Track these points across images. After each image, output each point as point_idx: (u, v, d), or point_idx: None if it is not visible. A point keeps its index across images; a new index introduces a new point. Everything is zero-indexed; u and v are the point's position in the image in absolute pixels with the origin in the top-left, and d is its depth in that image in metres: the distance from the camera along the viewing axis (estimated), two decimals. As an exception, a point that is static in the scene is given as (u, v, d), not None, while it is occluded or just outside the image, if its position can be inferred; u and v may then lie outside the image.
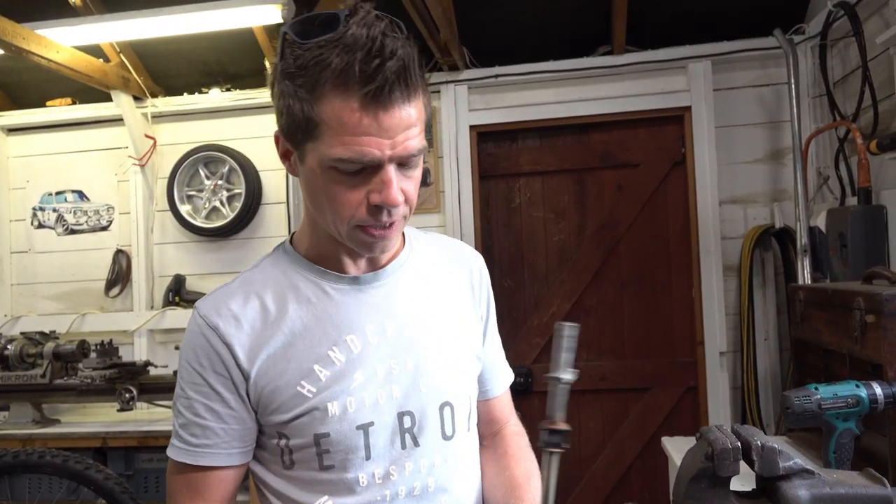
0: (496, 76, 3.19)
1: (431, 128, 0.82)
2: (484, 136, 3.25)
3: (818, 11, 2.79)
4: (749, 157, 3.03)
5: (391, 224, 0.88)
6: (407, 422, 0.94)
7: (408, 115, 0.83)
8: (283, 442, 0.93)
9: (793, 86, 2.81)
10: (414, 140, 0.85)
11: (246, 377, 0.92)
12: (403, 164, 0.86)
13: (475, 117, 3.21)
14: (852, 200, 2.54)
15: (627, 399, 3.11)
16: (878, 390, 1.50)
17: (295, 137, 0.87)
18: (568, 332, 1.02)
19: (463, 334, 1.03)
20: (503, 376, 1.16)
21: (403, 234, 1.04)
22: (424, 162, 0.96)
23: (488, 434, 1.14)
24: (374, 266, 0.99)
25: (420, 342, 0.96)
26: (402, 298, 0.98)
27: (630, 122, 3.15)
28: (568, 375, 0.98)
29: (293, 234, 1.04)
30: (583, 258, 3.15)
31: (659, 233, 3.13)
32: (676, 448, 2.13)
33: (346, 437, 0.91)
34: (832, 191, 2.76)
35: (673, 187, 3.12)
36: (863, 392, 1.51)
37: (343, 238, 0.91)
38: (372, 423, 0.91)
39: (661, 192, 3.12)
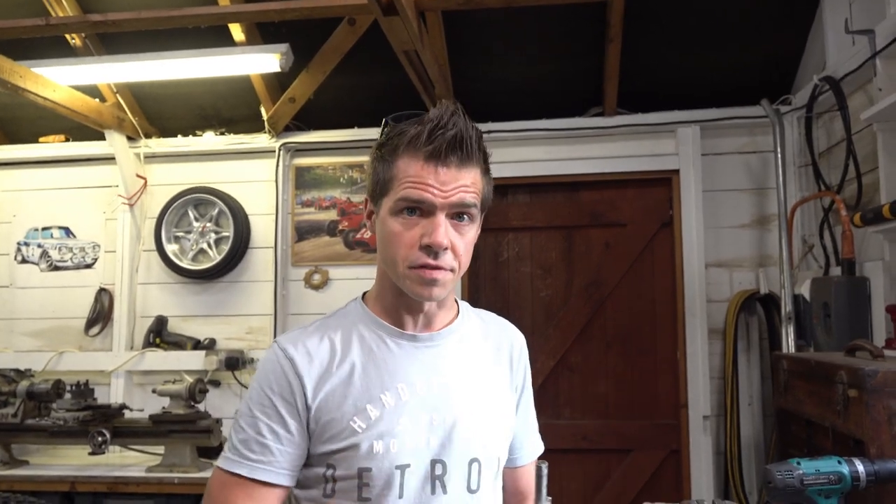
0: (489, 132, 3.23)
1: (485, 208, 0.97)
2: (474, 190, 3.27)
3: (804, 84, 2.87)
4: (735, 222, 3.07)
5: (440, 268, 1.02)
6: (438, 469, 1.05)
7: (462, 175, 1.02)
8: (329, 472, 1.05)
9: (779, 154, 2.86)
10: (466, 194, 1.02)
11: (308, 407, 1.05)
12: (456, 216, 1.03)
13: (466, 171, 3.23)
14: (836, 270, 2.56)
15: (609, 460, 3.07)
16: (861, 468, 1.49)
17: (375, 194, 1.07)
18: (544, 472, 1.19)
19: (498, 401, 1.15)
20: (532, 447, 1.28)
21: (458, 305, 1.19)
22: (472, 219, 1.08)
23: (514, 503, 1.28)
24: (430, 328, 1.12)
25: (460, 401, 1.09)
26: (450, 360, 1.12)
27: (619, 182, 3.19)
28: None
29: (365, 292, 1.19)
30: (569, 315, 3.14)
31: (645, 293, 3.14)
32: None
33: (386, 474, 1.03)
34: (817, 259, 2.78)
35: (660, 248, 3.14)
36: (845, 469, 1.49)
37: (402, 280, 1.04)
38: (409, 465, 1.03)
39: (649, 253, 3.15)
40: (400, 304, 1.10)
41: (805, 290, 2.60)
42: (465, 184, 1.01)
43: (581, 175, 3.20)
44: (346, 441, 1.03)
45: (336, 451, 1.03)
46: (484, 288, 3.20)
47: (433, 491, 1.05)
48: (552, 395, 3.12)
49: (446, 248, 1.01)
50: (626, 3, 2.72)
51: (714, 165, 3.09)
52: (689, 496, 2.89)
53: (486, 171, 1.06)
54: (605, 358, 3.13)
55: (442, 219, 1.01)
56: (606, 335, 3.14)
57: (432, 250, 1.00)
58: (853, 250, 2.38)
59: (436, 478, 1.05)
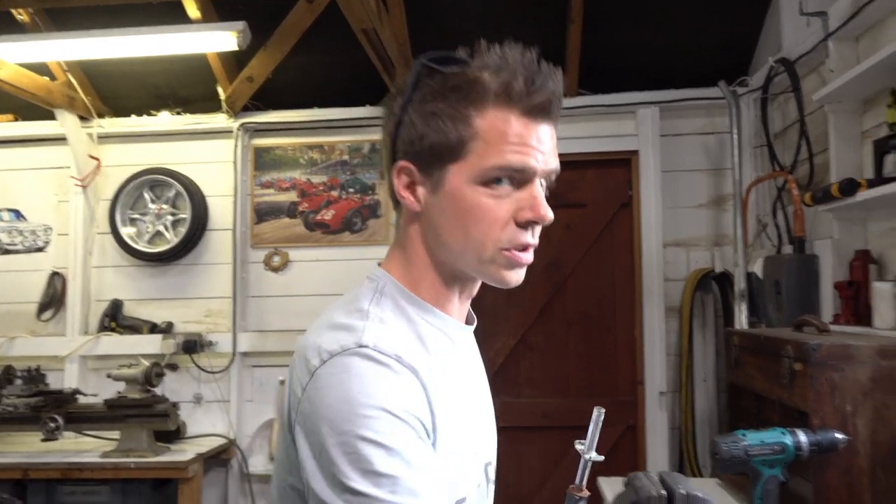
0: (450, 112, 3.21)
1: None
2: (436, 171, 3.26)
3: (761, 65, 2.90)
4: (693, 202, 3.11)
5: (530, 248, 0.85)
6: (490, 472, 0.94)
7: (555, 134, 0.85)
8: None
9: (735, 135, 2.90)
10: (556, 158, 0.85)
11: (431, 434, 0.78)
12: (542, 183, 0.85)
13: (428, 152, 3.22)
14: (789, 248, 2.61)
15: (569, 437, 3.08)
16: (803, 438, 1.53)
17: (432, 161, 0.82)
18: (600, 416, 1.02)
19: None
20: None
21: None
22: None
23: None
24: (464, 320, 0.93)
25: (486, 400, 0.98)
26: (475, 355, 0.99)
27: (580, 163, 3.20)
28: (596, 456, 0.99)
29: (388, 268, 0.90)
30: (530, 295, 3.16)
31: (605, 272, 3.17)
32: (612, 489, 2.12)
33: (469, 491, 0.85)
34: (770, 238, 2.83)
35: (619, 228, 3.17)
36: (788, 440, 1.53)
37: (485, 266, 0.83)
38: (480, 484, 0.89)
39: (608, 233, 3.17)
40: (451, 293, 0.88)
41: (758, 268, 2.64)
42: (555, 144, 0.85)
43: (542, 156, 3.20)
44: (455, 459, 0.81)
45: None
46: (445, 269, 3.20)
47: (488, 490, 0.93)
48: (513, 374, 3.14)
49: (551, 220, 0.83)
50: (585, -17, 2.72)
51: (673, 146, 3.12)
52: (644, 470, 2.94)
53: None
54: (565, 337, 3.16)
55: (540, 186, 0.83)
56: (566, 314, 3.17)
57: (535, 226, 0.83)
58: (804, 229, 2.42)
59: (490, 479, 0.93)
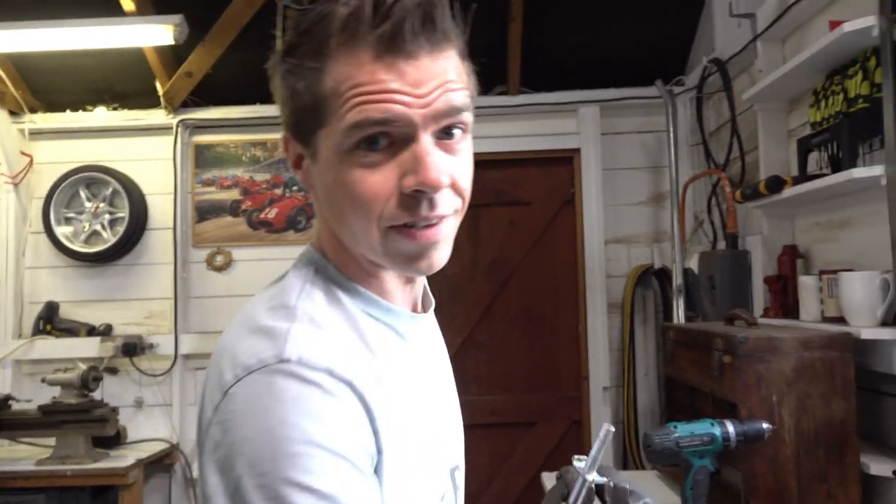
0: (394, 110, 3.20)
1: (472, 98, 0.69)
2: (381, 169, 3.25)
3: (696, 66, 2.98)
4: (633, 199, 3.18)
5: (438, 220, 0.66)
6: (457, 477, 0.82)
7: (439, 65, 0.64)
8: None
9: (672, 134, 2.97)
10: (454, 92, 0.64)
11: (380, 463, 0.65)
12: (444, 133, 0.65)
13: (373, 149, 3.21)
14: (723, 244, 2.69)
15: (515, 433, 3.14)
16: (731, 429, 1.58)
17: (302, 129, 0.68)
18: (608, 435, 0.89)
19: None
20: None
21: None
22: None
23: None
24: (416, 305, 0.78)
25: (448, 398, 0.83)
26: (435, 343, 0.84)
27: (523, 160, 3.24)
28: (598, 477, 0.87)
29: (320, 248, 0.74)
30: (474, 293, 3.18)
31: (548, 269, 3.21)
32: (552, 484, 2.16)
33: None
34: (706, 234, 2.92)
35: (562, 225, 3.22)
36: (717, 430, 1.58)
37: (378, 254, 0.68)
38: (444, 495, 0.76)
39: (551, 230, 3.22)
40: (386, 276, 0.73)
41: (694, 263, 2.72)
42: (448, 77, 0.64)
43: (485, 154, 3.21)
44: (406, 474, 0.67)
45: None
46: (391, 267, 3.20)
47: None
48: (459, 371, 3.10)
49: (446, 185, 0.65)
50: (525, -18, 2.74)
51: (613, 144, 3.19)
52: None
53: (462, 44, 0.69)
54: (510, 334, 3.19)
55: (427, 141, 0.64)
56: (511, 311, 3.20)
57: (426, 196, 0.64)
58: (736, 225, 2.50)
59: (455, 487, 0.81)
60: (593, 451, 0.83)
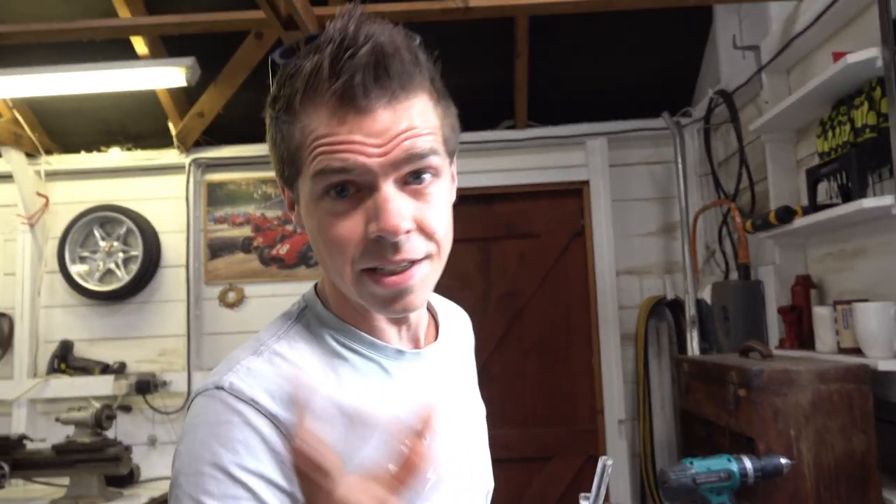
0: (404, 145, 3.24)
1: (453, 151, 0.73)
2: (391, 204, 3.27)
3: (703, 97, 3.00)
4: (643, 230, 3.18)
5: (408, 265, 0.68)
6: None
7: (400, 112, 0.66)
8: None
9: (680, 164, 2.98)
10: (416, 137, 0.66)
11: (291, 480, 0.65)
12: (412, 177, 0.68)
13: (383, 184, 3.23)
14: (735, 274, 2.68)
15: (531, 468, 3.10)
16: (749, 464, 1.56)
17: (286, 176, 0.72)
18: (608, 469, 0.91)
19: (482, 419, 0.92)
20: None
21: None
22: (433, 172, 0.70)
23: None
24: (417, 339, 0.80)
25: (450, 432, 0.82)
26: (440, 380, 0.81)
27: (532, 193, 3.25)
28: None
29: (316, 290, 0.80)
30: (487, 326, 3.17)
31: (560, 301, 3.20)
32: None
33: None
34: (718, 264, 2.91)
35: (573, 257, 3.21)
36: (734, 466, 1.55)
37: (354, 295, 0.71)
38: None
39: (562, 262, 3.21)
40: (374, 313, 0.75)
41: (707, 294, 2.70)
42: (409, 125, 0.66)
43: (495, 187, 3.24)
44: None
45: None
46: (402, 301, 3.21)
47: None
48: (472, 405, 3.12)
49: (408, 231, 0.67)
50: (530, 20, 2.78)
51: (622, 176, 3.19)
52: (608, 501, 2.95)
53: (438, 94, 0.71)
54: (523, 367, 3.17)
55: (389, 189, 0.66)
56: (524, 344, 3.19)
57: (389, 241, 0.66)
58: (748, 255, 2.49)
59: None
60: (594, 488, 0.84)
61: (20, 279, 3.27)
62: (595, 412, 3.10)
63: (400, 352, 0.77)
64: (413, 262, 0.69)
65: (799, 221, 2.04)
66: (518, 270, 3.22)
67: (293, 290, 3.20)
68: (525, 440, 3.09)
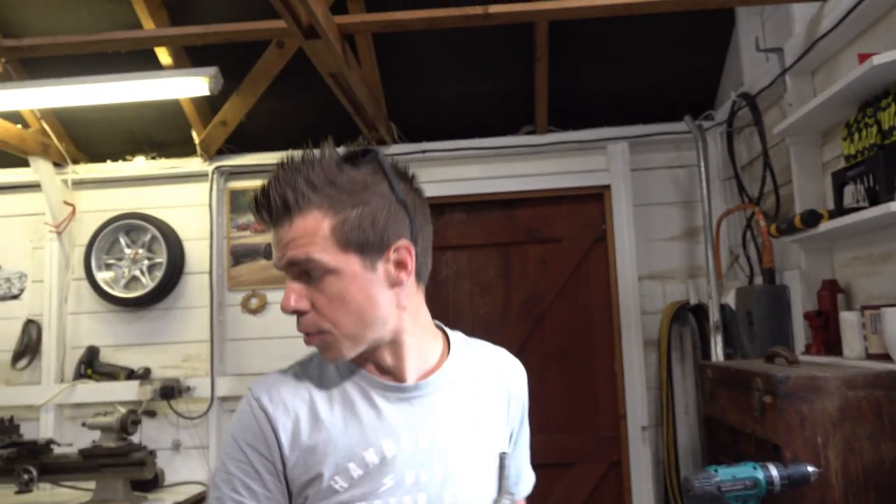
0: (423, 151, 3.25)
1: (359, 245, 0.93)
2: (412, 210, 3.28)
3: (726, 99, 2.97)
4: (666, 235, 3.15)
5: (309, 335, 0.95)
6: None
7: (293, 231, 0.92)
8: None
9: (703, 168, 2.95)
10: (295, 250, 0.91)
11: (285, 463, 0.94)
12: (306, 275, 0.93)
13: (403, 190, 3.24)
14: (759, 279, 2.64)
15: (553, 475, 3.08)
16: (775, 472, 1.53)
17: None
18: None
19: (493, 445, 1.05)
20: (527, 482, 1.19)
21: (449, 341, 1.07)
22: (324, 270, 0.93)
23: None
24: (420, 373, 1.01)
25: (451, 454, 0.98)
26: (440, 409, 1.00)
27: (553, 198, 3.24)
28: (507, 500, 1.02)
29: None
30: (509, 331, 3.16)
31: (582, 307, 3.18)
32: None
33: None
34: (742, 269, 2.87)
35: (594, 262, 3.20)
36: (760, 474, 1.53)
37: None
38: None
39: (584, 267, 3.20)
40: (366, 356, 1.00)
41: (731, 299, 2.67)
42: (293, 238, 0.91)
43: (516, 192, 3.24)
44: (326, 502, 0.93)
45: None
46: (423, 307, 3.21)
47: None
48: (494, 411, 3.11)
49: (299, 312, 0.93)
50: (550, 24, 2.78)
51: (644, 180, 3.17)
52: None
53: (351, 203, 0.92)
54: (545, 373, 3.16)
55: (288, 280, 0.93)
56: (545, 350, 3.17)
57: (297, 315, 0.94)
58: (773, 260, 2.46)
59: None
60: (496, 480, 1.00)
61: (48, 286, 3.32)
62: (617, 418, 3.07)
63: (399, 387, 0.99)
64: (309, 335, 0.95)
65: (825, 225, 2.01)
66: (539, 276, 3.21)
67: (315, 297, 3.22)
68: (547, 446, 3.07)
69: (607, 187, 3.17)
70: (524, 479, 1.18)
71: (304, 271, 0.92)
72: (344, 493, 0.93)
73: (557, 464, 3.08)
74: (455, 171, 3.26)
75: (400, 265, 0.95)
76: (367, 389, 0.98)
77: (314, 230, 0.91)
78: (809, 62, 2.28)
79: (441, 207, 3.29)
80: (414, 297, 0.99)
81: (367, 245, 0.93)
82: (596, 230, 3.20)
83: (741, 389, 1.86)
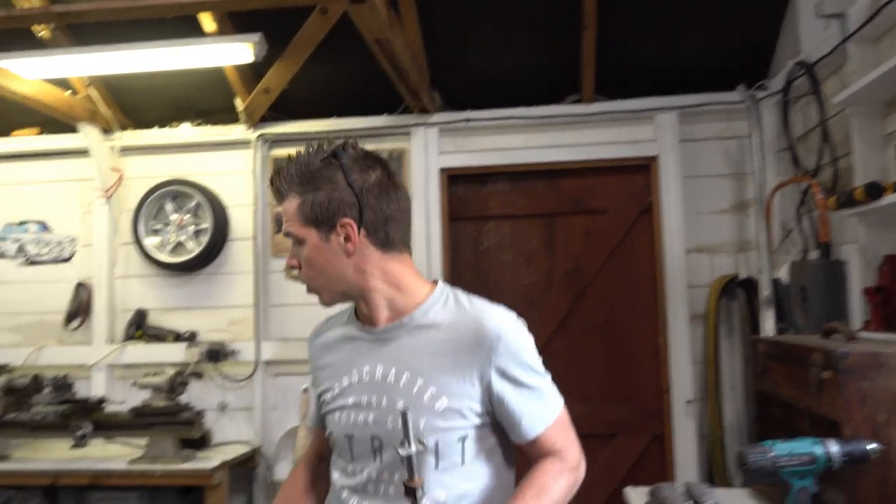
0: (467, 120, 3.22)
1: (322, 219, 1.22)
2: (454, 179, 3.26)
3: (780, 68, 2.87)
4: (715, 207, 3.08)
5: (307, 286, 1.26)
6: (376, 443, 1.24)
7: (284, 210, 1.24)
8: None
9: (756, 139, 2.87)
10: (285, 224, 1.25)
11: (314, 375, 1.37)
12: (297, 242, 1.24)
13: (446, 160, 3.23)
14: (815, 253, 2.58)
15: (594, 446, 3.07)
16: (835, 448, 1.50)
17: None
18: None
19: (441, 390, 1.21)
20: (532, 422, 1.25)
21: (427, 298, 1.27)
22: (298, 242, 1.25)
23: None
24: (382, 322, 1.28)
25: (393, 387, 1.22)
26: (394, 350, 1.25)
27: (599, 169, 3.19)
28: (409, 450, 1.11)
29: None
30: (551, 302, 3.15)
31: (626, 279, 3.15)
32: (639, 500, 2.10)
33: (340, 440, 1.29)
34: (795, 243, 2.80)
35: (640, 234, 3.15)
36: (819, 450, 1.50)
37: None
38: (353, 435, 1.26)
39: (629, 239, 3.16)
40: (359, 304, 1.32)
41: (784, 274, 2.61)
42: (284, 215, 1.24)
43: (561, 162, 3.19)
44: (323, 409, 1.33)
45: (323, 415, 1.34)
46: (464, 277, 3.20)
47: (374, 458, 1.24)
48: (535, 381, 3.11)
49: (292, 266, 1.27)
50: (600, -10, 2.71)
51: (693, 151, 3.10)
52: (673, 480, 2.91)
53: (310, 189, 1.20)
54: (588, 344, 3.15)
55: (290, 243, 1.26)
56: (588, 322, 3.16)
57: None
58: (829, 234, 2.39)
59: (375, 449, 1.24)
60: (403, 434, 1.09)
61: (97, 250, 3.40)
62: (661, 392, 3.05)
63: (369, 330, 1.28)
64: (307, 286, 1.27)
65: (888, 198, 1.94)
66: (583, 247, 3.18)
67: (357, 264, 3.23)
68: (589, 417, 3.06)
69: (654, 158, 3.10)
70: (526, 423, 1.24)
71: (294, 239, 1.23)
72: (331, 403, 1.30)
73: (599, 435, 3.08)
74: (499, 140, 3.22)
75: (347, 238, 1.20)
76: (353, 331, 1.30)
77: (291, 210, 1.22)
78: (875, 28, 2.18)
79: (484, 177, 3.27)
80: (379, 262, 1.23)
81: (319, 221, 1.20)
82: (642, 202, 3.14)
83: (797, 364, 1.83)
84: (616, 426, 3.08)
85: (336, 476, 1.32)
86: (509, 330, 1.24)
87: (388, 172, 1.24)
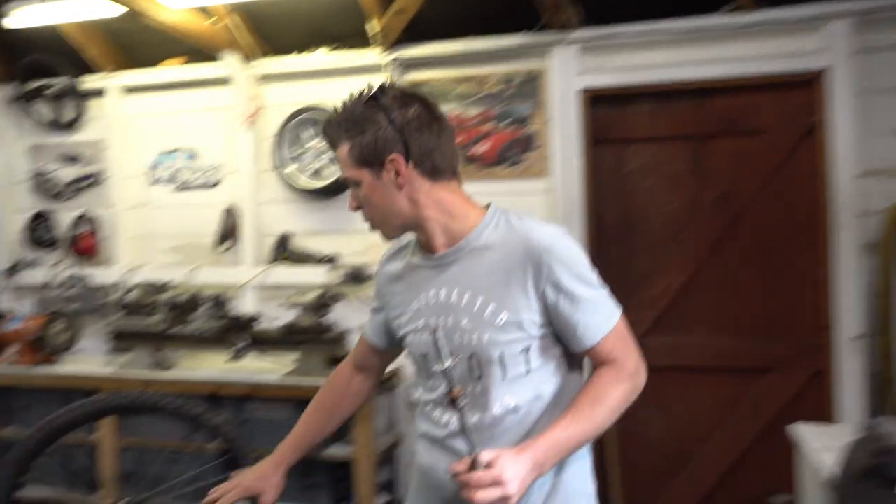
0: (610, 35, 3.03)
1: (371, 159, 1.30)
2: (595, 100, 3.11)
3: None
4: (892, 126, 2.77)
5: (370, 224, 1.39)
6: (439, 336, 1.30)
7: (338, 157, 1.34)
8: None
9: (952, 47, 2.53)
10: (343, 169, 1.35)
11: (384, 300, 1.50)
12: (355, 185, 1.34)
13: (586, 80, 3.08)
14: None
15: (744, 381, 2.96)
16: None
17: None
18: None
19: (500, 305, 1.30)
20: (592, 329, 1.31)
21: (481, 222, 1.35)
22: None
23: None
24: (447, 247, 1.36)
25: (457, 307, 1.33)
26: (454, 273, 1.35)
27: (756, 86, 2.94)
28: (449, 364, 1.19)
29: None
30: (699, 230, 2.99)
31: (784, 205, 2.93)
32: (811, 438, 1.99)
33: (418, 360, 1.42)
34: None
35: (802, 158, 2.90)
36: None
37: None
38: (427, 354, 1.37)
39: (789, 163, 2.92)
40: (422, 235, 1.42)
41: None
42: (339, 162, 1.34)
43: (712, 80, 2.96)
44: (399, 331, 1.45)
45: (400, 336, 1.46)
46: (606, 201, 3.08)
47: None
48: (681, 311, 3.00)
49: (356, 208, 1.37)
50: None
51: (869, 63, 2.78)
52: (834, 420, 2.76)
53: (357, 133, 1.28)
54: (738, 274, 2.98)
55: (350, 187, 1.36)
56: (741, 251, 2.98)
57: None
58: None
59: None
60: (439, 352, 1.17)
61: (242, 177, 3.53)
62: (821, 327, 2.85)
63: (429, 258, 1.38)
64: (369, 224, 1.39)
65: None
66: (735, 171, 2.97)
67: (492, 189, 3.17)
68: (739, 350, 2.94)
69: (821, 72, 2.81)
70: (584, 330, 1.30)
71: (351, 182, 1.34)
72: (405, 328, 1.42)
73: (750, 369, 2.95)
74: (644, 56, 3.03)
75: (397, 173, 1.29)
76: (416, 260, 1.41)
77: (343, 156, 1.32)
78: None
79: (627, 97, 3.10)
80: (430, 191, 1.31)
81: (369, 161, 1.29)
82: (805, 121, 2.88)
83: None
84: (769, 361, 2.93)
85: (420, 393, 1.44)
86: (559, 243, 1.30)
87: (427, 105, 1.32)
